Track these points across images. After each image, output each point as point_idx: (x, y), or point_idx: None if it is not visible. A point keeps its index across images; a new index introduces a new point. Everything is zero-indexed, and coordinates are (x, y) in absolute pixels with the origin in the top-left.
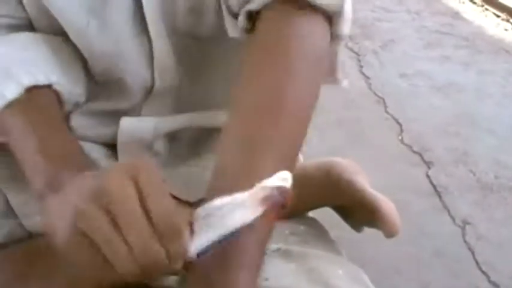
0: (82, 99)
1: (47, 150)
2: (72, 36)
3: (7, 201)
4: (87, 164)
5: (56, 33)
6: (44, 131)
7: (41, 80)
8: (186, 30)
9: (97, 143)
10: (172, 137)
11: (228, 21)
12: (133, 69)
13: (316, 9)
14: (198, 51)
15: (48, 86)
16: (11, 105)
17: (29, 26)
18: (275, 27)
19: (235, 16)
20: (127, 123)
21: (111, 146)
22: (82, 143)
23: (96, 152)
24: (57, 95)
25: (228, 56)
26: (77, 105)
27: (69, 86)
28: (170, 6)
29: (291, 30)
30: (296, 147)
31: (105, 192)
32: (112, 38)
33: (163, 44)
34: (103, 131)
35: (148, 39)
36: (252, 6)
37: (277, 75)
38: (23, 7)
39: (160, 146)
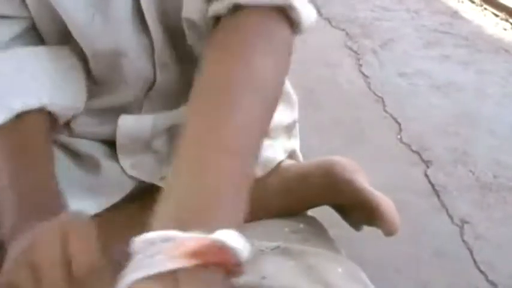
0: (80, 111)
1: (20, 187)
2: (75, 34)
3: None
4: (58, 202)
5: (58, 31)
6: (22, 165)
7: (33, 104)
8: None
9: (96, 141)
10: (171, 135)
11: (193, 3)
12: (135, 65)
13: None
14: (198, 47)
15: (40, 109)
16: None
17: (32, 30)
18: (244, 24)
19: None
20: (125, 121)
21: (111, 144)
22: (82, 141)
23: (95, 150)
24: (49, 114)
25: None
26: (74, 116)
27: (66, 101)
28: (171, 4)
29: (259, 29)
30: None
31: (33, 252)
32: (114, 34)
33: (163, 40)
34: (102, 128)
35: (149, 35)
36: (226, 3)
37: (238, 60)
38: (26, 5)
39: (159, 143)
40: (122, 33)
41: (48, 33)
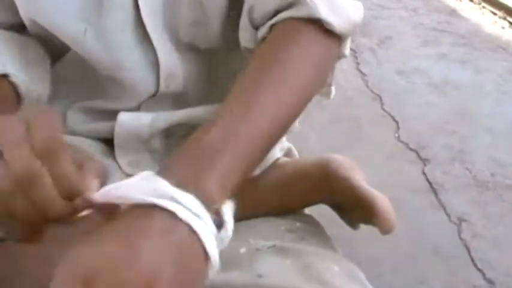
0: (44, 98)
1: None
2: (70, 45)
3: None
4: None
5: (58, 42)
6: None
7: None
8: (188, 41)
9: (93, 138)
10: (168, 134)
11: (245, 33)
12: (137, 76)
13: (329, 32)
14: (203, 59)
15: (5, 76)
16: None
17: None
18: (285, 35)
19: (255, 28)
20: (124, 118)
21: (107, 141)
22: (77, 138)
23: (91, 147)
24: (14, 87)
25: (233, 62)
26: (38, 101)
27: (30, 82)
28: (172, 18)
29: (298, 38)
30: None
31: None
32: (111, 47)
33: (168, 52)
34: (100, 126)
35: (152, 47)
36: (274, 21)
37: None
38: (11, 13)
39: (156, 142)
40: (120, 45)
41: (49, 44)
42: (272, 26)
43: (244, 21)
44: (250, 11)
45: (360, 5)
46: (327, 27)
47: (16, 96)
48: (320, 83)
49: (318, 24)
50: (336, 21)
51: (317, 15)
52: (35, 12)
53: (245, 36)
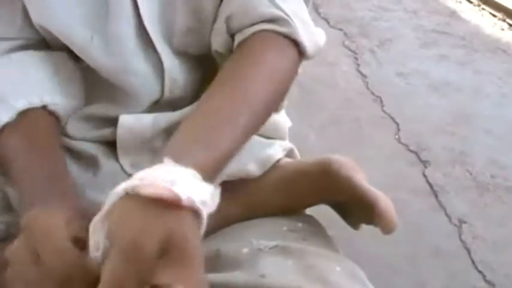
0: (80, 109)
1: (33, 178)
2: (77, 52)
3: (5, 196)
4: (69, 187)
5: (67, 48)
6: (31, 156)
7: (35, 102)
8: (181, 49)
9: (95, 142)
10: (169, 133)
11: (219, 38)
12: (143, 82)
13: (299, 54)
14: (199, 64)
15: (43, 107)
16: (4, 129)
17: (34, 46)
18: (264, 47)
19: (231, 35)
20: (126, 120)
21: (110, 143)
22: (80, 142)
23: (94, 150)
24: (52, 113)
25: None
26: (74, 115)
27: (66, 102)
28: (169, 26)
29: (275, 52)
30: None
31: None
32: (117, 53)
33: (170, 58)
34: (102, 132)
35: (156, 53)
36: (254, 30)
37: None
38: (29, 28)
39: (159, 142)
40: (126, 51)
41: (59, 49)
42: (251, 34)
43: (220, 27)
44: (229, 19)
45: (323, 33)
46: (301, 49)
47: (55, 118)
48: (281, 99)
49: (293, 44)
50: (309, 46)
51: (297, 37)
52: (44, 19)
53: (218, 41)
